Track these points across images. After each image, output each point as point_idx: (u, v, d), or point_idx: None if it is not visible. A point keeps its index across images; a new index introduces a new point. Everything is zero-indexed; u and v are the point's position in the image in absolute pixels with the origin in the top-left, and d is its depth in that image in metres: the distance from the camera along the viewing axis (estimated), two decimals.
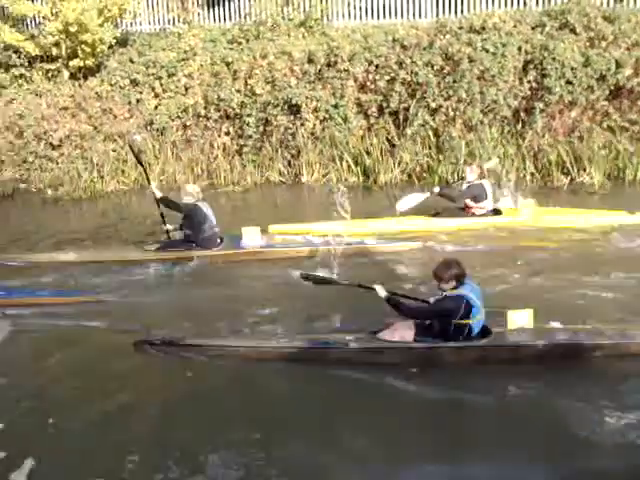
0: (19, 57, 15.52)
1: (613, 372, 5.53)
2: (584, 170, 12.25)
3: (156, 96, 14.52)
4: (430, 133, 12.78)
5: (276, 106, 13.29)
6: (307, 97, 13.15)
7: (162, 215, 8.86)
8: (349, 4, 15.63)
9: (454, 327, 5.56)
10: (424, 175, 12.77)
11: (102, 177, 13.90)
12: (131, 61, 15.09)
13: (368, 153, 13.02)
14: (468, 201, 9.78)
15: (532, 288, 7.36)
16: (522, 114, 12.72)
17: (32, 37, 15.58)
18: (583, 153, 12.21)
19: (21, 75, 15.65)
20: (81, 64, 15.15)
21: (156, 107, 14.38)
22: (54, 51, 15.30)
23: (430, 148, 12.80)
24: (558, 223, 9.65)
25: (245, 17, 16.03)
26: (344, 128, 13.10)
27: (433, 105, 12.69)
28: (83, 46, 14.88)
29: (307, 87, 13.31)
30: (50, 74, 15.57)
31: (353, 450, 4.67)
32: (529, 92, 12.61)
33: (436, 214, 9.87)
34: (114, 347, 6.31)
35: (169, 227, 8.93)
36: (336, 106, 13.14)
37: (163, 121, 14.04)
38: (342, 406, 5.19)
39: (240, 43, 14.76)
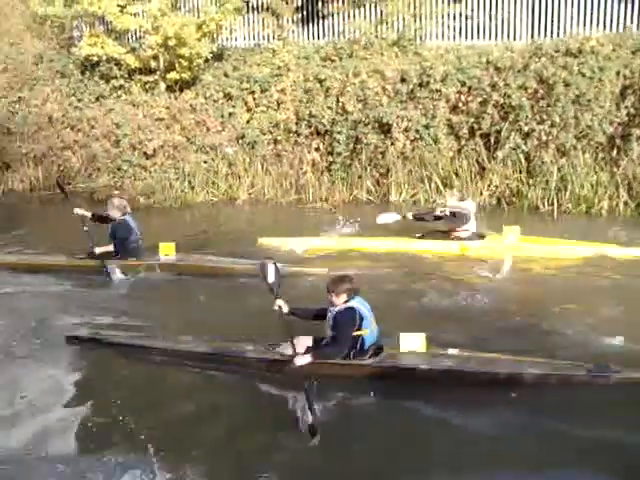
0: (119, 69, 16.29)
1: (492, 400, 5.71)
2: None
3: (248, 110, 15.05)
4: (521, 157, 12.81)
5: (367, 124, 13.59)
6: (398, 116, 13.40)
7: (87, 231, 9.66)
8: (443, 24, 15.77)
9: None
10: (513, 199, 12.81)
11: (193, 188, 14.52)
12: (226, 75, 15.70)
13: (457, 175, 13.15)
14: (451, 224, 10.07)
15: (472, 315, 7.66)
16: (618, 140, 12.59)
17: (132, 50, 16.33)
18: None
19: (120, 86, 16.42)
20: (177, 77, 15.79)
21: (248, 121, 14.92)
22: (152, 64, 16.01)
23: (521, 172, 12.84)
24: (540, 252, 9.76)
25: (339, 35, 16.42)
26: (434, 149, 13.28)
27: (525, 129, 12.73)
28: (180, 60, 15.50)
29: (398, 106, 13.56)
30: (148, 86, 16.28)
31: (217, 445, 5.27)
32: (626, 118, 12.49)
33: (421, 236, 10.25)
34: None
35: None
36: (427, 126, 13.35)
37: (254, 135, 14.53)
38: (227, 407, 5.84)
39: (333, 61, 15.13)
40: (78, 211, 9.71)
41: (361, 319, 5.93)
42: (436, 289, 8.51)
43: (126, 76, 16.42)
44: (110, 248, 9.47)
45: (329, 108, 14.05)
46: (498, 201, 12.95)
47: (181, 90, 15.97)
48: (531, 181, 12.69)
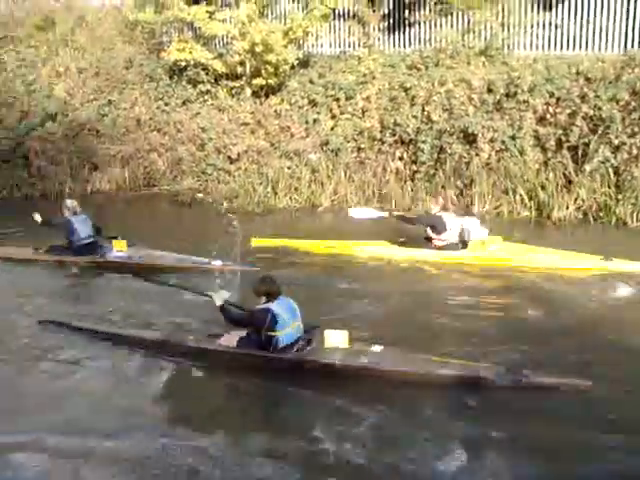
0: (207, 74, 16.91)
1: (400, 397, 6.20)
2: None
3: (333, 117, 15.39)
4: (610, 171, 12.72)
5: (452, 134, 13.75)
6: (484, 127, 13.53)
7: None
8: (532, 33, 15.77)
9: (264, 337, 6.55)
10: (600, 214, 12.74)
11: (276, 193, 14.89)
12: (311, 82, 16.13)
13: (543, 187, 13.12)
14: (429, 232, 10.66)
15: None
16: None
17: (220, 56, 16.92)
18: None
19: (207, 91, 17.01)
20: (263, 83, 16.27)
21: (332, 128, 15.24)
22: (239, 69, 16.56)
23: (609, 187, 12.74)
24: (519, 261, 10.17)
25: (425, 43, 16.62)
26: (520, 160, 13.32)
27: (616, 142, 12.67)
28: (267, 66, 15.98)
29: (484, 117, 13.69)
30: (234, 91, 16.83)
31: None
32: None
33: (402, 242, 10.91)
34: None
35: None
36: (513, 137, 13.43)
37: (338, 142, 14.84)
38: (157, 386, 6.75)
39: (419, 69, 15.33)
40: (37, 217, 11.07)
41: (275, 321, 6.47)
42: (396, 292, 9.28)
43: (213, 81, 17.03)
44: None
45: (414, 117, 14.25)
46: (584, 215, 12.87)
47: (266, 96, 16.47)
48: (620, 196, 12.58)
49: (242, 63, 16.41)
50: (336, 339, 6.65)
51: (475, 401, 6.12)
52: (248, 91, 16.61)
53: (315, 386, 6.42)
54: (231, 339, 6.94)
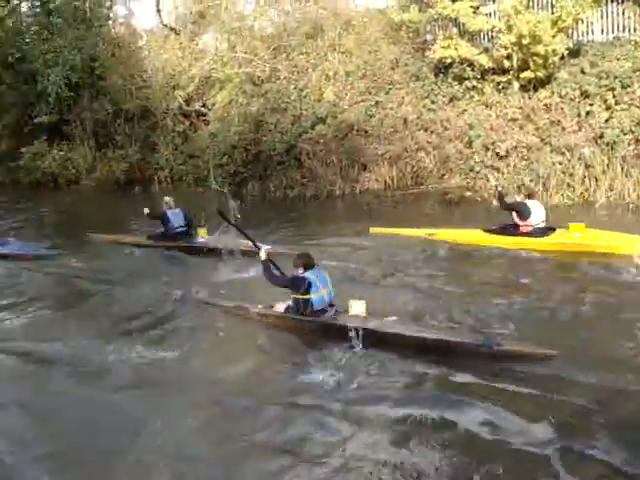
0: (472, 70, 17.42)
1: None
2: None
3: (608, 108, 15.29)
4: None
5: None
6: None
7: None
8: None
9: (299, 301, 8.19)
10: None
11: (547, 190, 15.01)
12: (582, 72, 16.09)
13: None
14: (516, 219, 11.55)
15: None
16: None
17: (485, 50, 17.35)
18: None
19: (473, 87, 17.55)
20: (532, 76, 16.45)
21: (607, 120, 15.14)
22: (505, 63, 16.87)
23: None
24: (600, 248, 10.53)
25: None
26: None
27: None
28: (535, 58, 16.13)
29: None
30: (500, 86, 17.21)
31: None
32: None
33: (491, 230, 11.85)
34: None
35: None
36: None
37: (614, 135, 14.72)
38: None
39: None
40: (145, 211, 13.57)
41: (309, 286, 8.09)
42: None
43: (478, 77, 17.50)
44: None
45: None
46: None
47: (535, 89, 16.66)
48: None
49: (509, 57, 16.71)
50: (357, 308, 8.14)
51: (454, 364, 7.08)
52: (516, 85, 16.89)
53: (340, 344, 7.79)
54: (280, 307, 8.65)
